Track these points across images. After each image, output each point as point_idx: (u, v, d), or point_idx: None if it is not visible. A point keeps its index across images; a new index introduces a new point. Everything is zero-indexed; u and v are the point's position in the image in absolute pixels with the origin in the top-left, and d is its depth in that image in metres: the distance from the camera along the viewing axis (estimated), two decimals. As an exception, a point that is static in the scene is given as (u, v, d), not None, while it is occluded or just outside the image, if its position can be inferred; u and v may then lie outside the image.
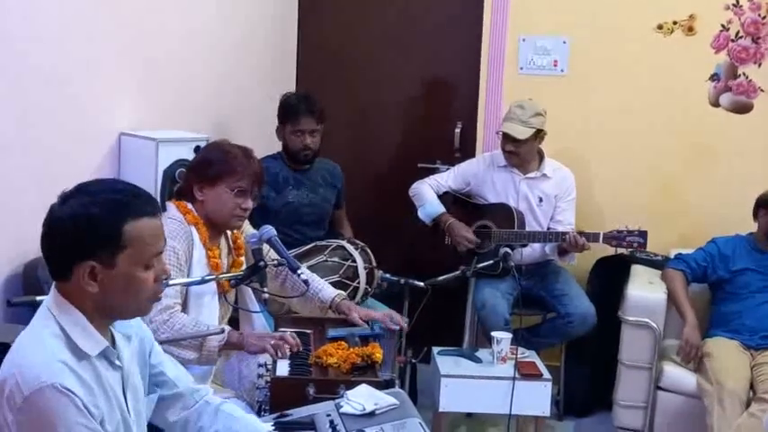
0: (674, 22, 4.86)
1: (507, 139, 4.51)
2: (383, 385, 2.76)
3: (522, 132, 4.45)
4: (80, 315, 1.95)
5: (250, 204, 3.17)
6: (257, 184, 3.20)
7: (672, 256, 4.67)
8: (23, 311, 2.98)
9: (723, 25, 4.78)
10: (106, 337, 2.02)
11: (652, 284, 4.38)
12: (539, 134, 4.52)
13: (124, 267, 1.95)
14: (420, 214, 4.68)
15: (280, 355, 2.96)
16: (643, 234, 4.29)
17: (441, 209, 4.65)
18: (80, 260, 1.92)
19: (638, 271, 4.56)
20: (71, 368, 1.89)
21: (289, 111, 4.35)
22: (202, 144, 3.78)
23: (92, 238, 1.92)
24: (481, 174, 4.68)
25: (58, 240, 1.94)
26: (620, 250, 4.51)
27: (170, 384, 2.25)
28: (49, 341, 1.91)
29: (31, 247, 3.17)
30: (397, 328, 3.33)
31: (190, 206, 3.14)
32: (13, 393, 1.85)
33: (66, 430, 1.84)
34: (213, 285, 3.13)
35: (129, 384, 2.06)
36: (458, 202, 4.73)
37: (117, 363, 2.03)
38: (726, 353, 4.08)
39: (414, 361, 3.69)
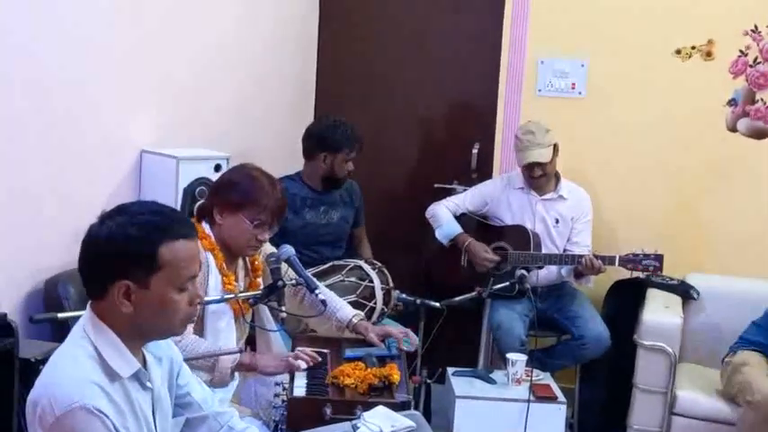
0: (693, 47, 4.86)
1: (533, 166, 4.53)
2: (399, 407, 2.77)
3: (544, 155, 4.49)
4: (114, 336, 1.97)
5: (266, 237, 3.15)
6: (278, 216, 3.17)
7: (687, 281, 4.67)
8: (44, 327, 3.01)
9: (741, 51, 4.78)
10: (138, 358, 2.03)
11: (668, 308, 4.36)
12: (556, 149, 4.55)
13: (158, 288, 1.97)
14: (438, 235, 4.69)
15: (299, 365, 2.98)
16: (659, 258, 4.29)
17: (458, 229, 4.65)
18: (115, 279, 1.95)
19: (653, 295, 4.54)
20: (104, 389, 1.90)
21: (344, 141, 4.35)
22: (223, 162, 3.81)
23: (127, 257, 1.94)
24: (497, 194, 4.70)
25: (94, 259, 1.97)
26: (636, 274, 4.51)
27: (196, 407, 2.26)
28: (82, 362, 1.93)
29: (52, 264, 3.23)
30: (412, 349, 3.33)
31: (207, 230, 3.12)
32: (45, 413, 1.86)
33: None
34: (229, 309, 3.13)
35: (158, 406, 2.08)
36: (474, 223, 4.74)
37: (148, 384, 2.04)
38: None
39: (428, 381, 3.70)
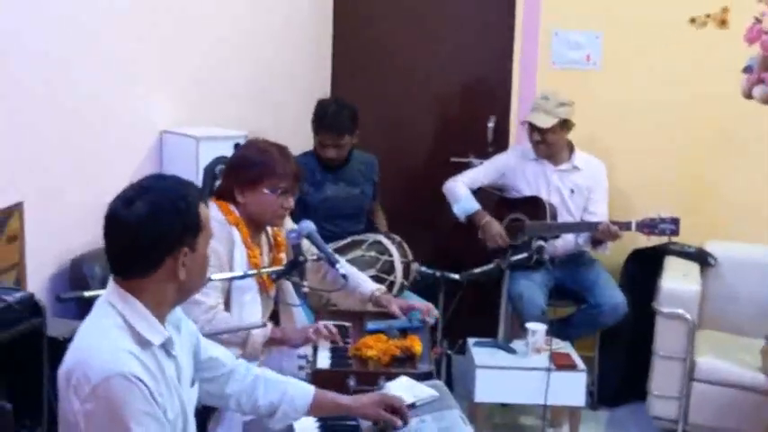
0: (707, 15, 4.85)
1: (533, 129, 4.56)
2: (422, 377, 2.80)
3: (545, 121, 4.50)
4: (142, 306, 2.01)
5: (292, 203, 3.21)
6: (297, 181, 3.24)
7: (704, 248, 4.67)
8: (70, 306, 3.05)
9: (756, 17, 4.75)
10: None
11: (686, 276, 4.39)
12: (565, 124, 4.55)
13: (201, 248, 2.07)
14: (455, 211, 4.71)
15: (324, 336, 3.05)
16: (675, 221, 4.29)
17: (475, 206, 4.68)
18: (175, 250, 2.00)
19: (671, 262, 4.56)
20: (137, 357, 1.94)
21: (315, 122, 4.39)
22: (241, 141, 3.83)
23: (182, 226, 2.01)
24: (513, 166, 4.73)
25: (148, 237, 1.98)
26: (654, 241, 4.52)
27: (220, 364, 2.33)
28: (113, 332, 1.96)
29: (77, 244, 3.27)
30: (432, 321, 3.36)
31: (232, 207, 3.17)
32: (81, 383, 1.89)
33: (134, 419, 1.88)
34: (254, 284, 3.18)
35: (181, 374, 2.12)
36: (490, 196, 4.77)
37: (173, 353, 2.08)
38: None
39: (449, 352, 3.73)
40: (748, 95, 4.82)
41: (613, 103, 5.04)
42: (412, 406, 2.49)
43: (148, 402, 1.91)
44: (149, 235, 1.98)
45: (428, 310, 3.39)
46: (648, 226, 4.34)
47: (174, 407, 2.03)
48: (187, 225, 2.02)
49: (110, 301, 2.02)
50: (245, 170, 3.18)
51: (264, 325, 3.05)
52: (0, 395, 2.54)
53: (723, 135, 4.92)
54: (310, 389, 2.42)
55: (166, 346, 2.05)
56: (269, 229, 3.35)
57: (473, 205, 4.68)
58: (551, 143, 4.58)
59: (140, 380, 1.90)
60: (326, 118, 4.34)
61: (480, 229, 4.66)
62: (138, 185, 2.05)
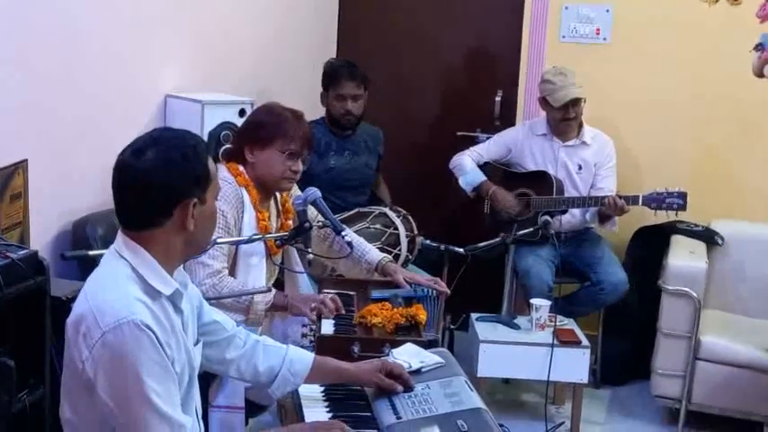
0: (720, -9, 4.81)
1: (570, 105, 4.49)
2: (427, 345, 2.77)
3: (582, 93, 4.47)
4: (151, 257, 1.99)
5: (300, 167, 3.20)
6: (307, 147, 3.24)
7: (712, 227, 4.64)
8: (73, 268, 3.05)
9: (769, -5, 4.71)
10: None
11: (693, 253, 4.35)
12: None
13: (210, 201, 2.05)
14: (461, 183, 4.68)
15: (325, 313, 3.01)
16: (682, 195, 4.25)
17: (482, 177, 4.65)
18: (184, 200, 1.97)
19: (678, 241, 4.52)
20: (148, 306, 1.93)
21: (331, 76, 4.38)
22: (247, 107, 3.82)
23: (191, 176, 1.99)
24: (520, 141, 4.68)
25: (158, 186, 1.95)
26: (661, 220, 4.48)
27: (221, 328, 2.32)
28: (123, 281, 1.95)
29: (80, 206, 3.27)
30: (444, 290, 3.34)
31: (241, 168, 3.17)
32: (90, 330, 1.88)
33: (143, 366, 1.87)
34: (262, 247, 3.17)
35: (188, 329, 2.10)
36: (497, 171, 4.73)
37: (181, 307, 2.06)
38: None
39: (452, 327, 3.71)
40: (759, 74, 4.78)
41: (623, 78, 4.98)
42: (417, 372, 2.48)
43: (158, 351, 1.90)
44: (159, 184, 1.96)
45: (434, 283, 3.36)
46: (655, 200, 4.30)
47: (181, 360, 2.02)
48: (196, 175, 2.00)
49: (119, 251, 2.01)
50: (257, 130, 3.19)
51: (269, 290, 3.04)
52: (3, 352, 2.55)
53: (733, 113, 4.87)
54: (310, 354, 2.42)
55: (174, 299, 2.03)
56: (278, 195, 3.33)
57: (479, 176, 4.65)
58: (579, 114, 4.56)
59: (150, 328, 1.89)
60: (344, 68, 4.37)
61: (488, 200, 4.62)
62: (148, 136, 2.03)
